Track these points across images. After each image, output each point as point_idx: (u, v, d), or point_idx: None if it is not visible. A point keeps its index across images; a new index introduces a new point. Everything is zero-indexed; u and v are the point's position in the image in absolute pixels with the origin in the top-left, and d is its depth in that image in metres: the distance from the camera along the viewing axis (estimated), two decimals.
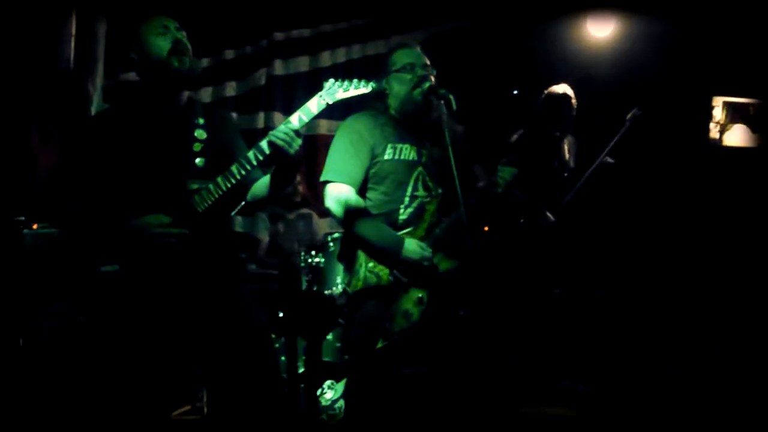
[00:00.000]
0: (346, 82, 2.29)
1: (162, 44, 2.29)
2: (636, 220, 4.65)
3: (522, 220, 3.85)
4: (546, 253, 3.86)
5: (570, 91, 3.89)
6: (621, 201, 4.37)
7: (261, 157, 2.25)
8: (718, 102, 4.98)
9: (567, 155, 4.01)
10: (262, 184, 2.41)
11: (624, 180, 4.07)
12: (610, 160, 3.81)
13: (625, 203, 4.49)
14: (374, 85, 2.35)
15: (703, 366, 4.08)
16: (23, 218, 4.02)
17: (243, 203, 2.49)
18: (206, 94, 4.75)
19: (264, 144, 2.24)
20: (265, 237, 4.52)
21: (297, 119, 2.25)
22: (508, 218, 3.87)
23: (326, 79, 2.32)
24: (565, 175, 3.98)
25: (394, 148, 2.63)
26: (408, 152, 2.64)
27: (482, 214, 2.70)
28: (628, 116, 3.86)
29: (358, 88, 2.30)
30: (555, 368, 4.07)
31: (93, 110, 4.32)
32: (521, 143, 2.70)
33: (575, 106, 3.93)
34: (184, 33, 2.35)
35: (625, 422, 3.57)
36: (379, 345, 2.50)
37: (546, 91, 3.95)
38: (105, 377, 2.36)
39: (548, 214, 3.87)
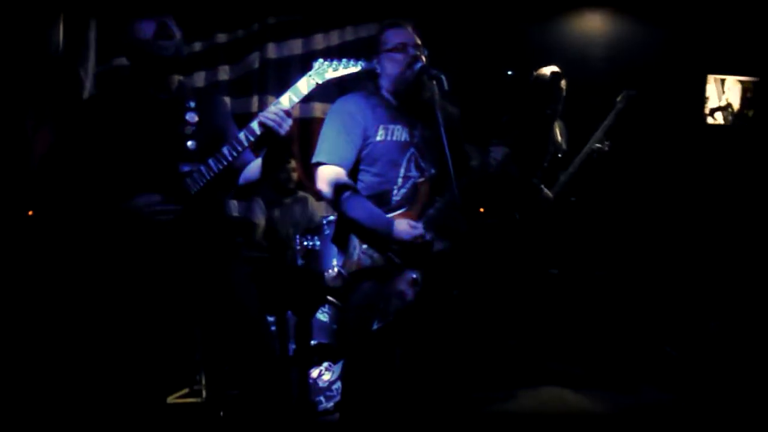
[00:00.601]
0: (335, 62, 2.29)
1: (146, 28, 2.28)
2: (633, 199, 4.66)
3: (518, 216, 3.87)
4: (544, 231, 3.87)
5: (559, 72, 3.89)
6: (617, 181, 4.38)
7: (252, 139, 2.25)
8: (718, 80, 4.97)
9: (559, 138, 4.02)
10: (254, 166, 2.41)
11: (620, 160, 4.07)
12: (604, 146, 3.82)
13: (622, 183, 4.50)
14: (363, 64, 2.34)
15: (699, 343, 4.11)
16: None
17: (236, 187, 2.49)
18: (199, 78, 4.72)
19: (255, 125, 2.24)
20: (261, 221, 4.52)
21: (287, 99, 2.24)
22: (505, 196, 3.88)
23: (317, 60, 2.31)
24: (560, 156, 3.99)
25: (386, 129, 2.62)
26: (400, 133, 2.63)
27: (476, 193, 2.70)
28: (618, 98, 3.88)
29: (348, 68, 2.30)
30: (551, 349, 4.10)
31: (86, 96, 4.30)
32: (513, 123, 2.71)
33: (564, 87, 3.93)
34: (171, 17, 2.34)
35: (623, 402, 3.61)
36: (375, 326, 2.51)
37: (535, 73, 3.96)
38: (102, 361, 2.37)
39: (546, 191, 3.88)
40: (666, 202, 4.70)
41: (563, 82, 3.91)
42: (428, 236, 2.55)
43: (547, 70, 3.92)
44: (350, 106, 2.64)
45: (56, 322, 3.37)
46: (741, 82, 4.98)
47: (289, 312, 3.70)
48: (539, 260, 3.95)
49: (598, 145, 3.83)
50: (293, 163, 4.54)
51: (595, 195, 4.09)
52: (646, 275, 4.50)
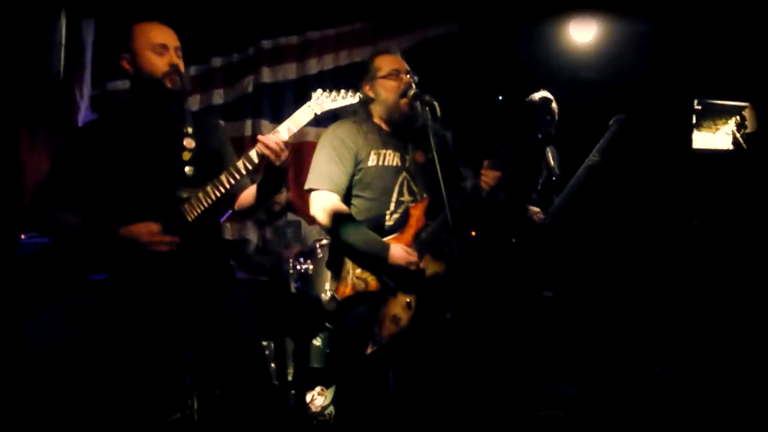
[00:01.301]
0: (333, 93, 2.32)
1: (158, 64, 2.30)
2: (623, 222, 4.70)
3: (514, 239, 3.90)
4: (539, 254, 3.90)
5: (550, 97, 3.95)
6: (608, 204, 4.42)
7: (250, 167, 2.27)
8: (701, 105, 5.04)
9: (552, 162, 4.06)
10: (249, 193, 2.43)
11: (611, 183, 4.12)
12: (596, 159, 3.86)
13: (613, 206, 4.54)
14: (362, 95, 2.38)
15: (689, 365, 4.13)
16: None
17: (230, 211, 2.51)
18: (194, 102, 4.74)
19: (253, 153, 2.26)
20: (254, 237, 4.54)
21: (286, 129, 2.27)
22: (495, 220, 3.91)
23: (314, 89, 2.34)
24: (554, 179, 4.03)
25: (378, 154, 2.66)
26: (392, 158, 2.67)
27: (468, 216, 2.73)
28: (611, 122, 3.93)
29: (346, 99, 2.33)
30: (545, 371, 4.10)
31: (81, 118, 4.31)
32: (505, 148, 2.75)
33: (556, 112, 3.98)
34: (180, 49, 2.37)
35: (615, 423, 3.61)
36: (369, 350, 2.53)
37: (527, 99, 4.02)
38: (95, 385, 2.37)
39: (540, 214, 3.90)
40: (655, 224, 4.75)
41: (554, 107, 3.97)
42: (422, 265, 2.58)
43: (538, 96, 3.98)
44: (342, 131, 2.68)
45: (52, 346, 3.35)
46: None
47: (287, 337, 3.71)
48: (533, 283, 3.97)
49: (591, 160, 3.86)
50: (283, 191, 4.54)
51: (589, 217, 4.13)
52: (638, 296, 4.52)
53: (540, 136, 3.98)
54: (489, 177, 2.64)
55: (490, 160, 2.69)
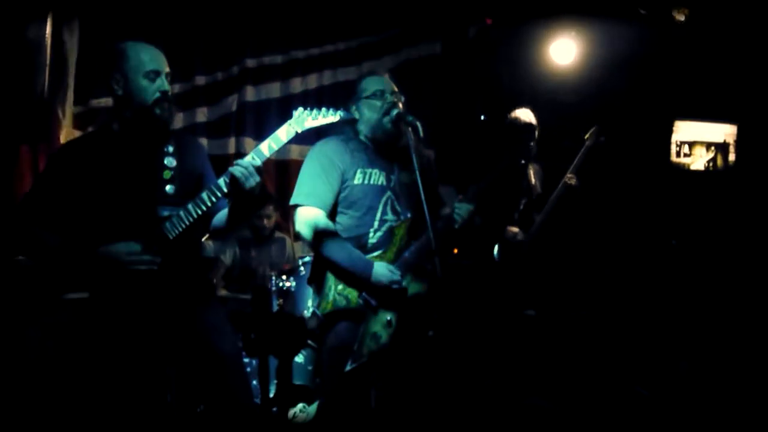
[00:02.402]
0: (315, 111, 2.34)
1: (150, 91, 2.31)
2: (603, 241, 4.74)
3: (496, 256, 3.92)
4: (521, 272, 3.91)
5: (533, 119, 3.99)
6: (588, 223, 4.46)
7: (231, 185, 2.28)
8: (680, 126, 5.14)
9: (533, 180, 4.10)
10: (223, 214, 2.44)
11: (590, 202, 4.16)
12: (574, 182, 3.90)
13: (592, 225, 4.59)
14: (342, 113, 2.40)
15: (670, 383, 4.15)
16: None
17: (208, 230, 2.51)
18: (177, 120, 4.75)
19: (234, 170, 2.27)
20: (227, 261, 4.52)
21: (267, 147, 2.29)
22: (471, 241, 3.94)
23: (296, 108, 2.37)
24: (534, 198, 4.06)
25: (364, 173, 2.68)
26: (377, 177, 2.69)
27: (449, 239, 2.76)
28: (587, 136, 3.97)
29: (327, 117, 2.36)
30: (526, 388, 4.11)
31: (63, 136, 4.30)
32: (488, 174, 2.79)
33: (537, 130, 4.02)
34: (170, 74, 2.38)
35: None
36: (349, 367, 2.53)
37: (509, 116, 4.04)
38: (76, 403, 2.35)
39: (520, 233, 3.92)
40: (635, 242, 4.80)
41: (535, 129, 4.01)
42: (404, 283, 2.59)
43: (523, 117, 3.99)
44: (329, 149, 2.70)
45: (27, 363, 3.31)
46: None
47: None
48: (514, 301, 3.99)
49: (568, 179, 3.90)
50: (270, 210, 4.55)
51: (569, 236, 4.17)
52: (618, 315, 4.56)
53: (522, 161, 4.03)
54: (461, 210, 2.70)
55: (464, 193, 2.74)
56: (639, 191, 4.87)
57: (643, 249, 4.79)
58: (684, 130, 5.20)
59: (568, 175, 3.91)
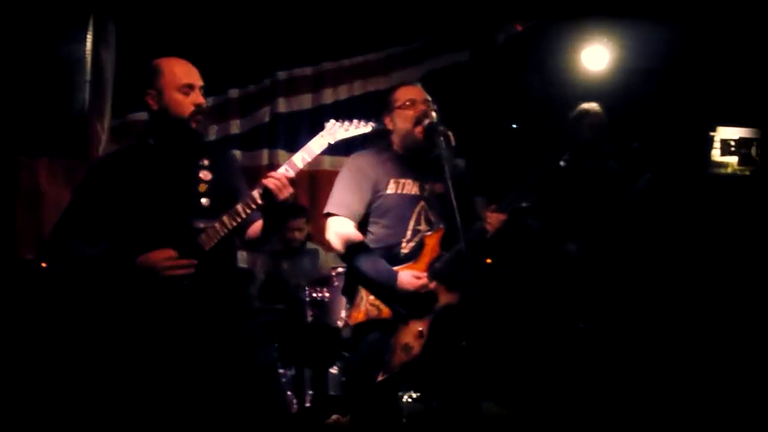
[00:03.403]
0: (346, 122, 2.36)
1: (184, 104, 2.34)
2: (640, 252, 4.65)
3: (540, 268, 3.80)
4: (571, 282, 3.82)
5: (589, 108, 3.86)
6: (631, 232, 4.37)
7: (266, 197, 2.30)
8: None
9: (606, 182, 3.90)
10: (257, 226, 2.45)
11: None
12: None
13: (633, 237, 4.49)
14: (374, 125, 2.41)
15: (710, 395, 4.06)
16: (31, 257, 4.10)
17: (241, 241, 2.54)
18: (211, 132, 4.83)
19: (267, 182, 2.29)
20: (259, 274, 4.55)
21: (300, 159, 2.31)
22: (526, 249, 3.85)
23: (328, 119, 2.38)
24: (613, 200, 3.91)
25: (397, 183, 2.69)
26: (410, 187, 2.70)
27: (484, 246, 2.73)
28: (629, 150, 3.86)
29: (359, 128, 2.37)
30: (560, 400, 4.05)
31: (101, 149, 4.39)
32: (539, 175, 2.73)
33: (597, 123, 3.85)
34: (203, 87, 2.41)
35: None
36: (380, 378, 2.53)
37: (579, 108, 3.90)
38: (109, 412, 2.38)
39: (572, 243, 3.82)
40: (678, 254, 4.69)
41: (594, 119, 3.85)
42: (432, 285, 2.58)
43: (585, 106, 3.88)
44: (362, 161, 2.73)
45: (66, 375, 3.38)
46: None
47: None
48: (555, 312, 3.91)
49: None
50: (301, 222, 4.58)
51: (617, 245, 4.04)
52: (663, 327, 4.46)
53: (563, 164, 3.92)
54: (493, 220, 2.66)
55: (497, 203, 2.70)
56: (674, 198, 4.79)
57: (682, 257, 4.69)
58: (723, 132, 5.12)
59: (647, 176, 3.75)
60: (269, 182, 2.25)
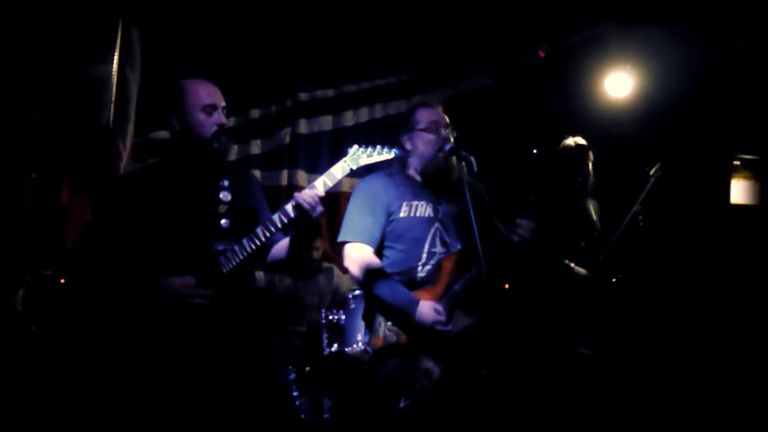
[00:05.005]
0: (369, 149, 2.36)
1: (207, 125, 2.35)
2: (661, 279, 4.59)
3: (554, 291, 3.78)
4: (579, 310, 3.78)
5: (583, 141, 3.89)
6: (647, 259, 4.32)
7: (286, 221, 2.30)
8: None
9: (594, 216, 3.96)
10: (282, 245, 2.46)
11: (652, 238, 4.02)
12: (638, 209, 3.74)
13: (650, 264, 4.44)
14: (396, 151, 2.41)
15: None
16: (50, 272, 4.12)
17: (263, 264, 2.53)
18: (232, 152, 4.86)
19: (289, 207, 2.30)
20: (279, 292, 4.53)
21: (322, 184, 2.31)
22: (532, 277, 3.83)
23: (350, 141, 2.40)
24: (596, 235, 3.93)
25: (410, 206, 2.67)
26: (424, 209, 2.68)
27: (501, 269, 2.69)
28: (652, 171, 3.82)
29: (382, 154, 2.37)
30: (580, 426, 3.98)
31: (122, 167, 4.43)
32: (540, 199, 2.71)
33: (591, 158, 3.90)
34: (225, 108, 2.42)
35: None
36: (402, 404, 2.49)
37: (561, 144, 3.95)
38: None
39: (579, 269, 3.79)
40: (693, 284, 4.63)
41: (590, 154, 3.89)
42: (449, 327, 2.54)
43: (572, 141, 3.90)
44: (374, 185, 2.71)
45: (82, 394, 3.37)
46: None
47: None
48: (569, 338, 3.86)
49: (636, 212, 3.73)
50: (318, 242, 4.56)
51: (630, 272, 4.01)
52: (681, 356, 4.39)
53: (576, 184, 3.91)
54: (524, 229, 2.61)
55: (525, 215, 2.67)
56: (697, 228, 4.73)
57: (705, 289, 4.62)
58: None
59: (636, 209, 3.75)
60: (303, 201, 2.25)
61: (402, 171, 2.74)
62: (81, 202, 4.39)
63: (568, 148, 3.87)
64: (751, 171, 4.99)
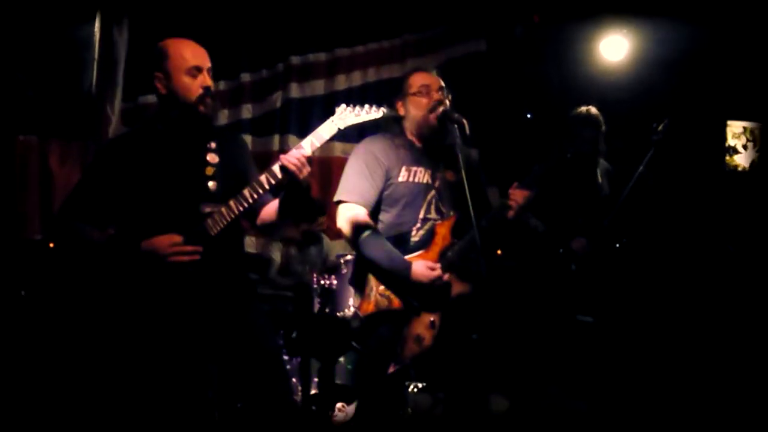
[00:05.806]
0: (357, 108, 2.32)
1: (192, 88, 2.31)
2: (656, 245, 4.60)
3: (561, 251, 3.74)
4: (577, 278, 3.77)
5: (592, 111, 3.84)
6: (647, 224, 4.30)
7: (273, 182, 2.27)
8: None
9: (600, 179, 3.90)
10: (272, 208, 2.43)
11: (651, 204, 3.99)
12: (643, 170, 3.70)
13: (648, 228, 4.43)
14: (385, 110, 2.37)
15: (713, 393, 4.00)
16: (40, 237, 4.10)
17: (254, 227, 2.51)
18: (223, 117, 4.81)
19: (276, 168, 2.27)
20: (277, 257, 4.53)
21: (309, 144, 2.28)
22: (530, 248, 3.80)
23: (340, 104, 2.34)
24: (601, 197, 3.88)
25: (409, 171, 2.65)
26: (422, 175, 2.66)
27: (494, 236, 2.68)
28: (659, 127, 3.75)
29: (370, 113, 2.33)
30: (574, 394, 4.01)
31: (111, 132, 4.38)
32: (545, 166, 2.66)
33: (602, 126, 3.84)
34: (211, 69, 2.37)
35: None
36: (391, 370, 2.49)
37: (571, 114, 3.89)
38: (117, 400, 2.37)
39: (581, 239, 3.76)
40: (688, 248, 4.64)
41: (598, 121, 3.83)
42: (446, 277, 2.54)
43: (584, 109, 3.84)
44: (374, 146, 2.68)
45: (69, 357, 3.38)
46: None
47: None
48: (565, 305, 3.86)
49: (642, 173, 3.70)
50: (322, 219, 4.52)
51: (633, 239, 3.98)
52: (679, 322, 4.41)
53: (570, 154, 3.87)
54: (517, 196, 2.58)
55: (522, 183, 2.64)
56: (692, 193, 4.72)
57: (700, 254, 4.62)
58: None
59: (641, 171, 3.71)
60: (289, 162, 2.22)
61: (403, 135, 2.71)
62: (70, 167, 4.35)
63: (578, 116, 3.81)
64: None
